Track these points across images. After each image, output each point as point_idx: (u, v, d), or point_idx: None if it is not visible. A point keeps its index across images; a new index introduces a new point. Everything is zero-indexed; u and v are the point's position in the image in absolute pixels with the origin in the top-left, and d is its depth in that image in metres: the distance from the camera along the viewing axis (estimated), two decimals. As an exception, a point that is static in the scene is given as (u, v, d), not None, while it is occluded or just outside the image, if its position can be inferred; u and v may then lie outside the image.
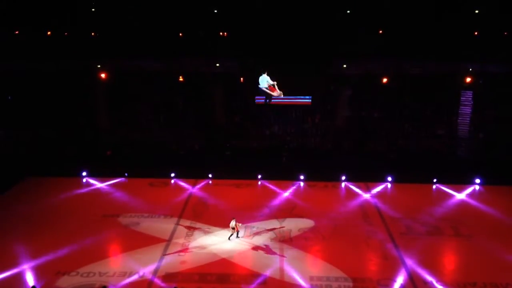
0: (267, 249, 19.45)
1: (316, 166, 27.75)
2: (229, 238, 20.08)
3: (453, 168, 27.76)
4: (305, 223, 21.89)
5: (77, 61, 28.36)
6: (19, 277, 17.30)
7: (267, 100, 24.05)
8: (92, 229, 20.89)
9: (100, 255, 18.88)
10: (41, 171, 27.09)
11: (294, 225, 21.66)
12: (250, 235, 20.58)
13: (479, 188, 26.62)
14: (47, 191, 25.26)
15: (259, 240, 20.15)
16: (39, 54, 28.08)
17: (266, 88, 22.77)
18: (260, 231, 20.94)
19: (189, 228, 21.23)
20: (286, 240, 20.27)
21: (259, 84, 22.69)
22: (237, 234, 20.28)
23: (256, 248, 19.58)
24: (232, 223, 20.03)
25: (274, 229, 21.18)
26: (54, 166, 27.25)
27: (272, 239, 20.25)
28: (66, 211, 22.96)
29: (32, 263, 18.03)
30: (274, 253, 19.11)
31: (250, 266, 18.35)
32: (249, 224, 21.45)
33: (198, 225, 21.52)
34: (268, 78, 22.56)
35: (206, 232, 20.81)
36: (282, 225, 21.59)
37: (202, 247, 19.58)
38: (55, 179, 26.70)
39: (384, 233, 21.07)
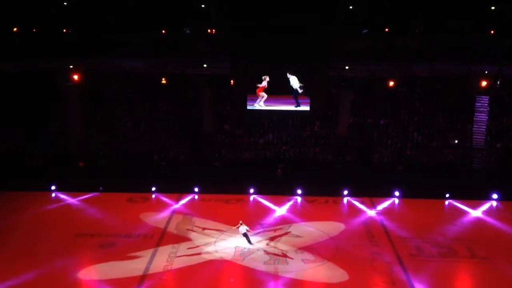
0: (260, 273, 19.35)
1: (315, 179, 27.80)
2: (250, 242, 21.25)
3: (468, 181, 27.90)
4: (304, 244, 21.84)
5: (47, 61, 28.33)
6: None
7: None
8: (63, 250, 20.72)
9: (71, 279, 18.71)
10: (3, 185, 26.80)
11: (291, 245, 21.60)
12: (241, 257, 20.50)
13: (496, 204, 26.76)
14: (11, 207, 25.04)
15: (252, 263, 20.05)
16: (4, 52, 28.03)
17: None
18: (253, 252, 20.88)
19: (172, 249, 21.12)
20: (282, 262, 20.19)
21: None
22: (247, 237, 21.38)
23: (248, 271, 19.50)
24: (242, 229, 21.32)
25: (268, 251, 21.12)
26: (19, 179, 27.06)
27: (266, 261, 20.17)
28: (33, 230, 22.77)
29: (-7, 289, 17.87)
30: (268, 278, 19.00)
31: (241, 292, 18.31)
32: (239, 245, 21.41)
33: (181, 245, 21.41)
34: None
35: (191, 254, 20.69)
36: (278, 246, 21.52)
37: (186, 271, 19.46)
38: (20, 194, 26.42)
39: (391, 255, 21.08)
